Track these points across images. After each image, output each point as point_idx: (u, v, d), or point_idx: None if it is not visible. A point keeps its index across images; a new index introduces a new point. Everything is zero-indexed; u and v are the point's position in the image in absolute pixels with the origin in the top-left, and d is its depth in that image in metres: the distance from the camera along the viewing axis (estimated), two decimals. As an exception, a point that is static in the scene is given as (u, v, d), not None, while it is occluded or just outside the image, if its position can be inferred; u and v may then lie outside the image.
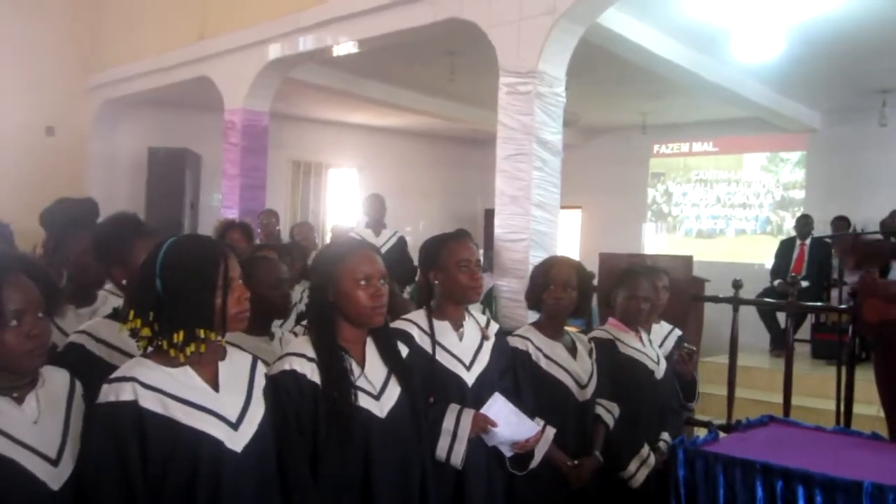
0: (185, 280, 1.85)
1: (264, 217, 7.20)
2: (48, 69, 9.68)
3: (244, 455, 1.88)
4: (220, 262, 1.88)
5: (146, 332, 1.84)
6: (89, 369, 2.08)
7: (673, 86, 8.14)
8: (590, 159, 11.57)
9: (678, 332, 4.04)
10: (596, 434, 3.20)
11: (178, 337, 1.83)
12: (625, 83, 8.51)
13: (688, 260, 4.94)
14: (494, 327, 2.90)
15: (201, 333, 1.85)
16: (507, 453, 2.73)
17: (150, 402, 1.80)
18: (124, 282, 2.39)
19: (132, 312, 1.85)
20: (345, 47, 6.78)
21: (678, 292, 4.42)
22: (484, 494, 2.70)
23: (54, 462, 1.79)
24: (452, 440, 2.55)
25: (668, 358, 3.66)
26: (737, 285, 4.43)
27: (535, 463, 2.91)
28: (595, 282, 4.77)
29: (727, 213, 11.12)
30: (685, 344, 3.83)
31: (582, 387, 3.14)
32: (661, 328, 3.93)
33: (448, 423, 2.56)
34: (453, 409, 2.59)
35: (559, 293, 3.13)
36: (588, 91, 8.42)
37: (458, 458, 2.55)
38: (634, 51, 6.46)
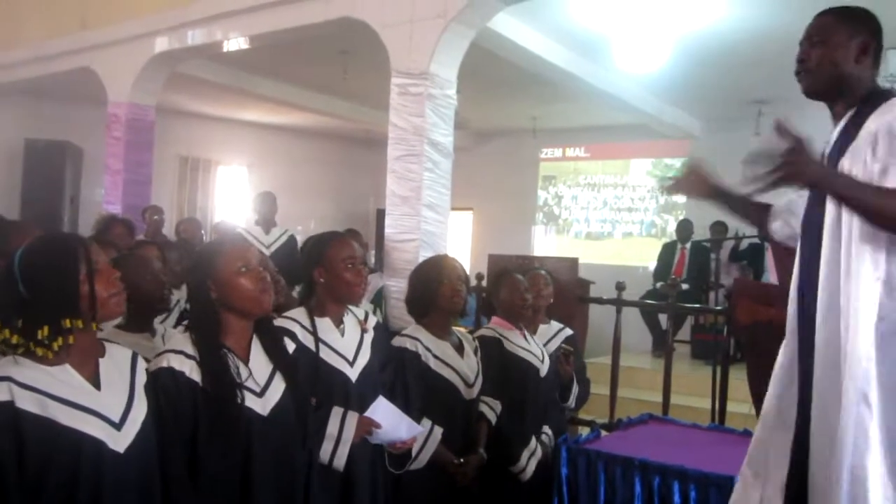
0: (45, 275, 1.79)
1: (150, 213, 6.99)
2: None
3: (126, 456, 1.83)
4: (77, 249, 1.84)
5: (17, 339, 1.77)
6: None
7: (561, 91, 8.31)
8: (481, 162, 11.71)
9: (568, 331, 4.13)
10: (479, 431, 3.24)
11: (43, 332, 1.76)
12: (515, 87, 8.65)
13: (573, 262, 5.06)
14: (373, 320, 2.89)
15: (67, 324, 1.78)
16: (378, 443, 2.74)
17: (27, 402, 1.72)
18: None
19: None
20: (235, 43, 6.64)
21: (564, 294, 4.53)
22: (370, 495, 2.69)
23: None
24: (336, 444, 2.53)
25: (552, 356, 3.75)
26: (620, 287, 4.56)
27: (421, 463, 2.94)
28: (485, 282, 4.85)
29: (614, 217, 11.46)
30: (563, 345, 3.92)
31: (469, 385, 3.18)
32: (549, 328, 4.02)
33: (332, 427, 2.54)
34: (337, 412, 2.57)
35: (458, 286, 3.16)
36: (479, 94, 8.52)
37: (340, 462, 2.54)
38: (524, 56, 6.57)
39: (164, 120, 8.35)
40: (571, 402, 3.87)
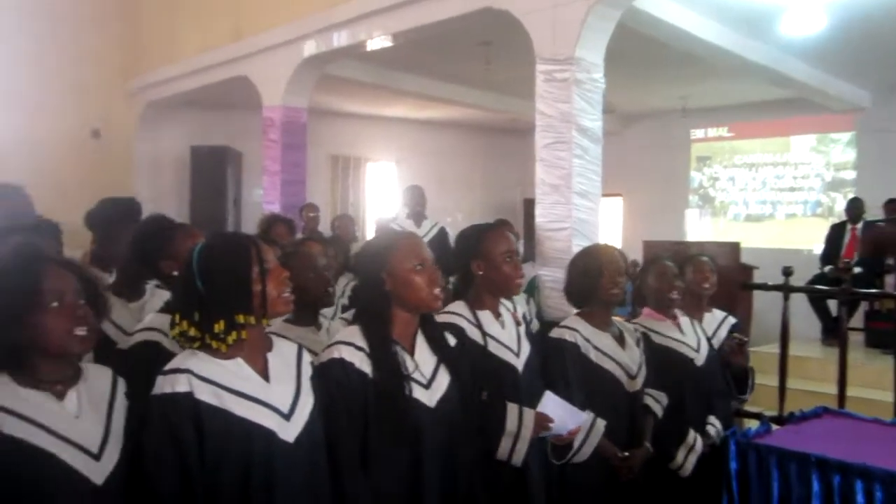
0: (221, 272, 1.88)
1: (307, 211, 7.24)
2: (93, 74, 9.86)
3: (296, 445, 1.91)
4: (250, 249, 1.92)
5: (194, 332, 1.87)
6: (164, 365, 2.09)
7: (713, 68, 7.97)
8: (629, 146, 11.41)
9: (732, 319, 3.92)
10: (645, 425, 3.14)
11: (219, 327, 1.85)
12: (663, 67, 8.37)
13: (734, 246, 4.84)
14: (521, 311, 2.86)
15: (241, 319, 1.87)
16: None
17: (204, 393, 1.83)
18: (175, 272, 2.40)
19: (178, 316, 1.88)
20: (379, 41, 6.75)
21: (725, 280, 4.31)
22: (543, 488, 2.68)
23: (96, 456, 1.80)
24: (515, 440, 2.52)
25: (720, 346, 3.57)
26: (787, 272, 4.30)
27: (584, 456, 2.88)
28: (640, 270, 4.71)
29: (776, 197, 10.88)
30: (735, 334, 3.72)
31: (632, 377, 3.08)
32: (712, 317, 3.83)
33: (511, 424, 2.53)
34: (513, 409, 2.56)
35: (617, 276, 3.06)
36: (625, 76, 8.28)
37: (519, 458, 2.54)
38: (673, 34, 6.32)
39: (315, 120, 8.62)
40: (748, 394, 3.67)
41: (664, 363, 3.29)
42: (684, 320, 3.51)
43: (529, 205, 5.81)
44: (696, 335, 3.49)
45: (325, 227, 7.64)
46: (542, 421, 2.58)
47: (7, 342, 1.77)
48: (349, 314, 3.46)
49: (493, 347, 2.62)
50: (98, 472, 1.79)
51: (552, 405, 2.62)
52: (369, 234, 8.93)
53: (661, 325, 3.42)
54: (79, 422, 1.81)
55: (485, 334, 2.62)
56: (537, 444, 2.64)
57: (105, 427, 1.85)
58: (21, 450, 1.71)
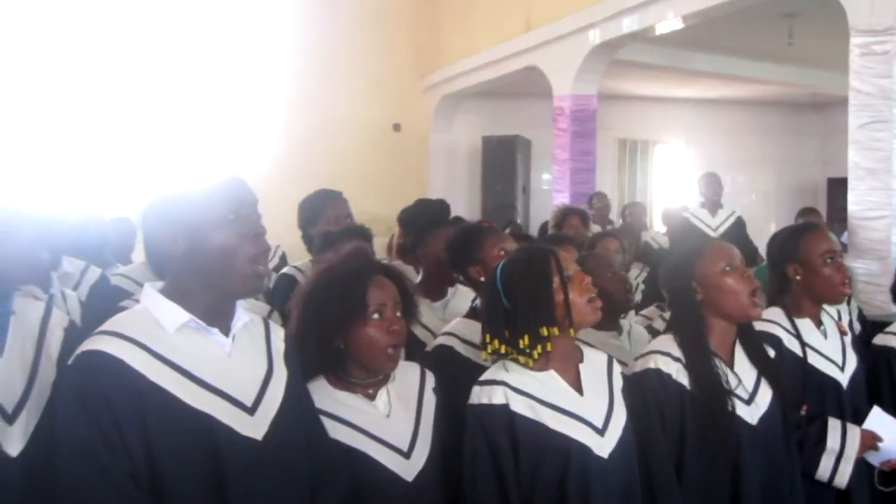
0: (523, 286, 1.89)
1: (596, 200, 7.25)
2: (393, 73, 10.64)
3: (611, 461, 1.86)
4: (549, 260, 1.91)
5: (504, 349, 1.89)
6: (457, 369, 2.21)
7: None
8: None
9: None
10: None
11: (524, 342, 1.85)
12: None
13: None
14: (847, 319, 2.64)
15: (545, 332, 1.85)
16: (875, 463, 2.45)
17: (520, 406, 1.84)
18: (482, 278, 2.47)
19: (489, 336, 1.91)
20: (669, 24, 6.58)
21: None
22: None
23: (406, 455, 1.87)
24: (838, 460, 2.34)
25: None
26: None
27: None
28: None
29: None
30: None
31: None
32: None
33: (832, 441, 2.34)
34: (835, 425, 2.37)
35: None
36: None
37: (843, 479, 2.34)
38: None
39: (602, 105, 8.60)
40: None
41: None
42: None
43: (833, 184, 5.35)
44: None
45: (613, 214, 7.61)
46: (869, 439, 2.36)
47: (330, 348, 1.87)
48: (649, 311, 3.45)
49: (813, 360, 2.44)
50: (409, 470, 1.85)
51: (880, 422, 2.39)
52: (657, 222, 8.74)
53: None
54: (389, 421, 1.88)
55: (804, 345, 2.44)
56: (863, 464, 2.44)
57: (414, 424, 1.92)
58: (338, 450, 1.80)
